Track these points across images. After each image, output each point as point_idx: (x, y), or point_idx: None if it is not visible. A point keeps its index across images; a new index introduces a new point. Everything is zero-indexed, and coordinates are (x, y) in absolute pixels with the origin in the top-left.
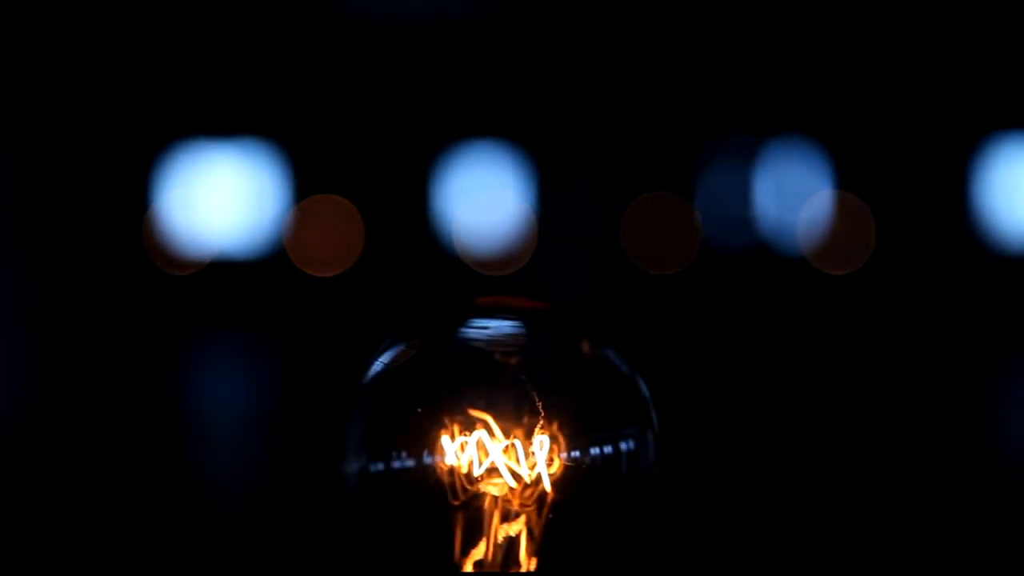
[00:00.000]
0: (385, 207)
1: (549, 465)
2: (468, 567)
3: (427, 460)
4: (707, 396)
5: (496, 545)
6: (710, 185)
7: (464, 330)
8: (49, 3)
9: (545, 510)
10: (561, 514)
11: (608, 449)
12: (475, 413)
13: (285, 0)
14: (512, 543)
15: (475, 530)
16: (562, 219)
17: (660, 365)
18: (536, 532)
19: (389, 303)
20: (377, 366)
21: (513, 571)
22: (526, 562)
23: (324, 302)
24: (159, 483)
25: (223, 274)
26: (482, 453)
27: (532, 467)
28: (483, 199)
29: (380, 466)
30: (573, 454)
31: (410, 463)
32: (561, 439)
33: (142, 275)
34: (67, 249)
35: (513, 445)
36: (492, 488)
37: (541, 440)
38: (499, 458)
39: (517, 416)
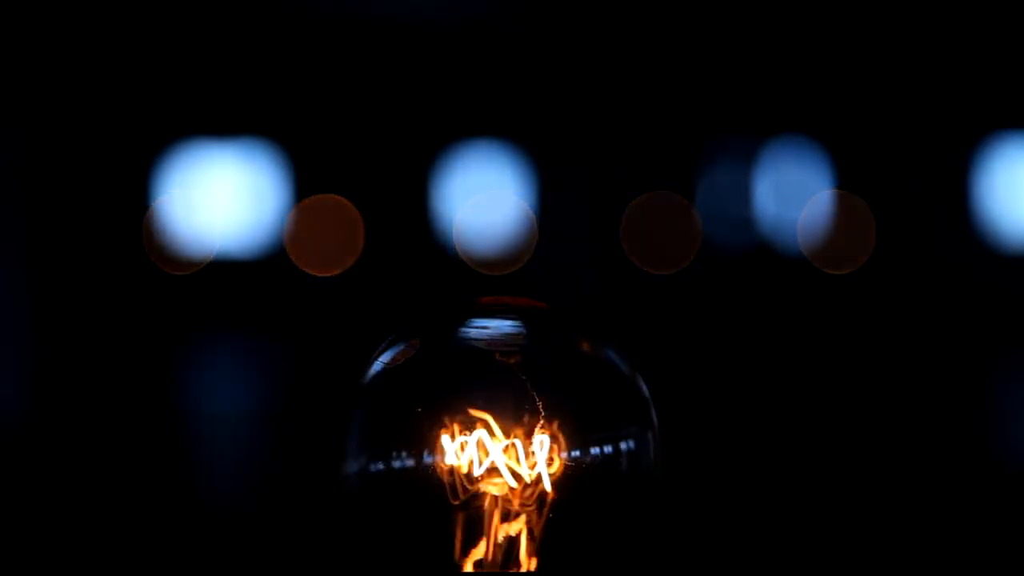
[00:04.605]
0: (385, 207)
1: (549, 465)
2: (468, 567)
3: (427, 460)
4: (707, 396)
5: (496, 545)
6: (710, 185)
7: (464, 330)
8: (49, 3)
9: (545, 510)
10: (561, 514)
11: (608, 449)
12: (475, 413)
13: (285, 0)
14: (512, 543)
15: (475, 530)
16: (562, 219)
17: (660, 365)
18: (536, 532)
19: (389, 303)
20: (377, 366)
21: (513, 571)
22: (526, 562)
23: (324, 302)
24: (159, 483)
25: (223, 274)
26: (482, 453)
27: (532, 467)
28: (483, 199)
29: (380, 466)
30: (573, 454)
31: (410, 463)
32: (561, 439)
33: (142, 275)
34: (67, 249)
35: (513, 445)
36: (492, 488)
37: (541, 440)
38: (499, 458)
39: (517, 416)
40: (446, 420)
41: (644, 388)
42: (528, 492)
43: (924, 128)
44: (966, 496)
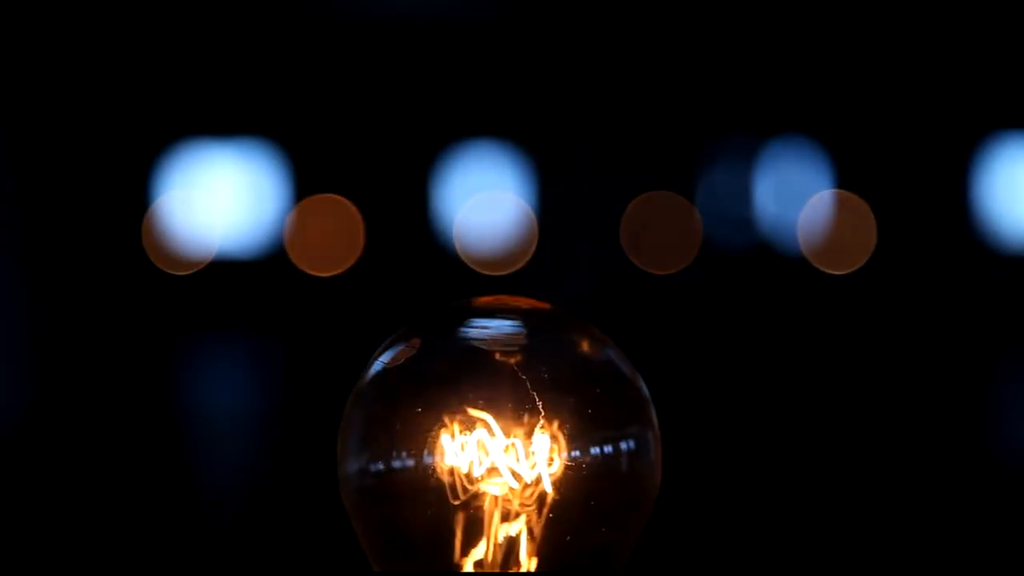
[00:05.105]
0: (385, 207)
1: (549, 465)
2: (468, 567)
3: (427, 460)
4: (707, 396)
5: (496, 545)
6: (711, 185)
7: (464, 330)
8: (49, 3)
9: (545, 510)
10: (561, 514)
11: (608, 449)
12: (475, 413)
13: (285, 0)
14: (512, 543)
15: (475, 530)
16: (562, 219)
17: (660, 365)
18: (536, 532)
19: (389, 303)
20: (377, 366)
21: (513, 571)
22: (526, 562)
23: (324, 302)
24: (159, 483)
25: (223, 274)
26: (482, 453)
27: (532, 467)
28: (483, 199)
29: (380, 466)
30: (573, 454)
31: (410, 463)
32: (561, 439)
33: (142, 275)
34: (67, 249)
35: (513, 445)
36: (492, 488)
37: (541, 440)
38: (499, 458)
39: (517, 416)
40: (446, 420)
41: (644, 388)
42: (528, 492)
43: (924, 128)
44: (966, 495)
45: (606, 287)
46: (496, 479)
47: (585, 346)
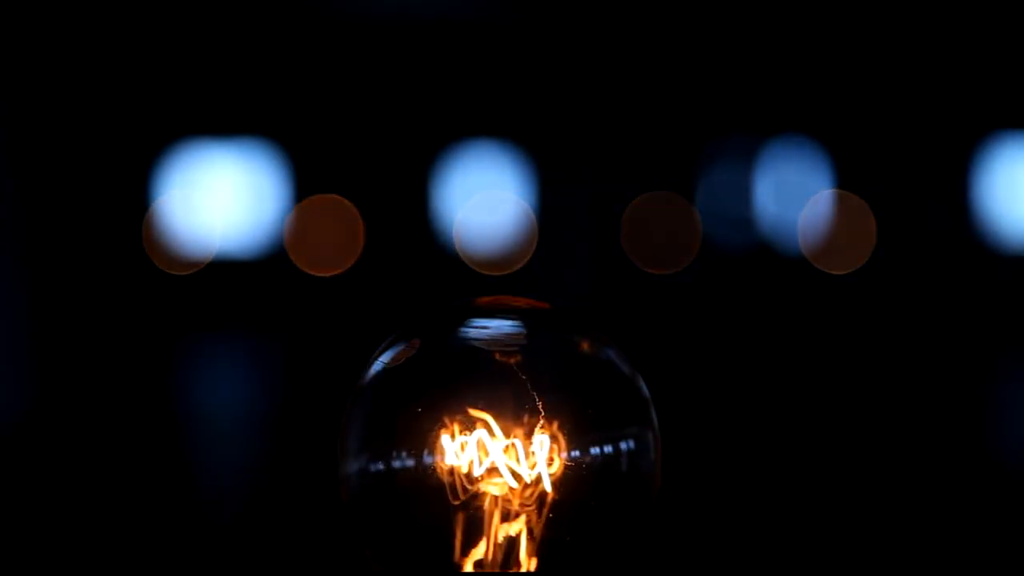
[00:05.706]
0: (385, 207)
1: (549, 465)
2: (468, 567)
3: (427, 460)
4: (707, 396)
5: (496, 545)
6: (710, 185)
7: (464, 330)
8: (49, 3)
9: (545, 510)
10: (561, 514)
11: (608, 449)
12: (475, 413)
13: (285, 0)
14: (512, 543)
15: (475, 530)
16: (562, 219)
17: (660, 365)
18: (536, 532)
19: (389, 303)
20: (377, 366)
21: (513, 571)
22: (526, 562)
23: (324, 302)
24: (159, 483)
25: (223, 274)
26: (482, 453)
27: (532, 467)
28: (483, 199)
29: (380, 466)
30: (573, 454)
31: (410, 463)
32: (561, 439)
33: (142, 275)
34: (67, 249)
35: (513, 445)
36: (492, 488)
37: (541, 440)
38: (499, 458)
39: (517, 416)
40: (446, 420)
41: (644, 388)
42: (528, 492)
43: (924, 128)
44: (966, 496)
45: (606, 287)
46: (496, 479)
47: (585, 346)
